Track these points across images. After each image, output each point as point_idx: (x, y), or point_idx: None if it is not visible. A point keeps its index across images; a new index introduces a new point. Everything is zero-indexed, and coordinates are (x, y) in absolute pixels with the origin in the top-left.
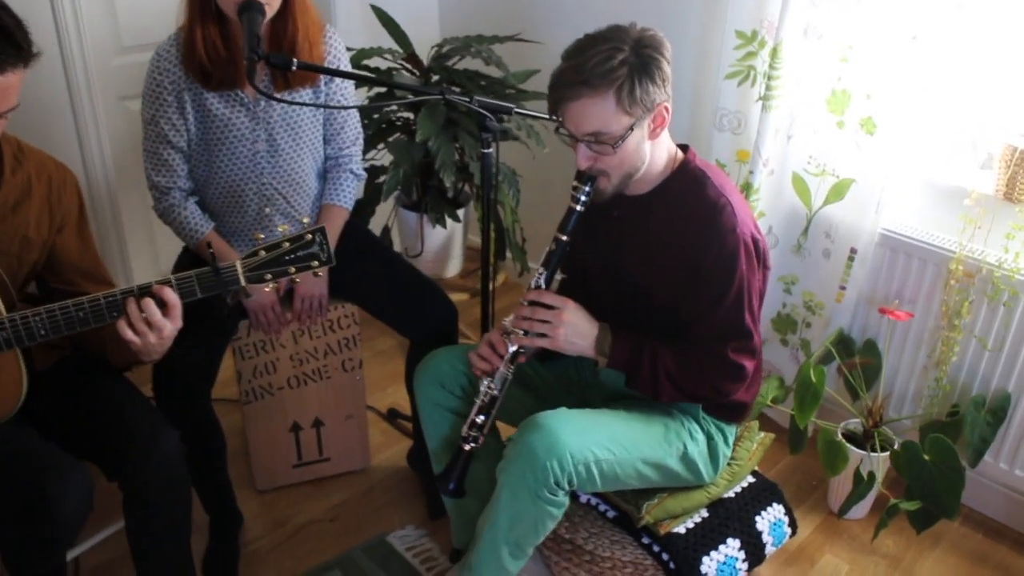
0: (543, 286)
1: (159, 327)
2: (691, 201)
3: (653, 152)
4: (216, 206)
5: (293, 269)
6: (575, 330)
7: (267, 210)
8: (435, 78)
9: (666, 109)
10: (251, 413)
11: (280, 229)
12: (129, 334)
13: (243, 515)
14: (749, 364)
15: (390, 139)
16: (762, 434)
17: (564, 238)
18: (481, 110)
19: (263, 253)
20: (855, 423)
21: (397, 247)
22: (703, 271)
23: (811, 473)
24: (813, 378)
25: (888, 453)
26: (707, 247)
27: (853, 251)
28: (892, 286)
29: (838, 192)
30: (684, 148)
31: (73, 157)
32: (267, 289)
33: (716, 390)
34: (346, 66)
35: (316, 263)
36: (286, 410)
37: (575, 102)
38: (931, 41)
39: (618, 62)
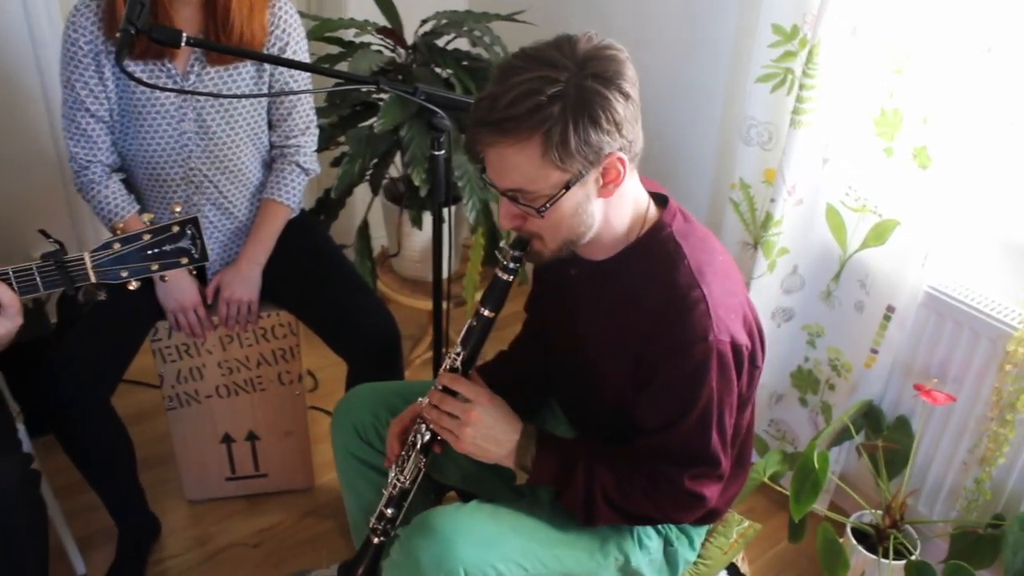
0: (459, 369)
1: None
2: (655, 285)
3: (608, 213)
4: (141, 189)
5: (156, 266)
6: (486, 434)
7: (195, 198)
8: (412, 58)
9: (620, 162)
10: (176, 420)
11: (145, 218)
12: None
13: (160, 524)
14: (712, 491)
15: (350, 128)
16: (745, 523)
17: (488, 314)
18: (427, 104)
19: (118, 246)
20: (871, 517)
21: (378, 243)
22: (660, 380)
23: (813, 567)
24: (815, 464)
25: (904, 564)
26: (667, 354)
27: (891, 309)
28: (934, 358)
29: (879, 235)
30: (663, 201)
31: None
32: (185, 282)
33: (667, 518)
34: (298, 40)
35: (186, 260)
36: (215, 420)
37: (490, 148)
38: (1010, 55)
39: (547, 98)
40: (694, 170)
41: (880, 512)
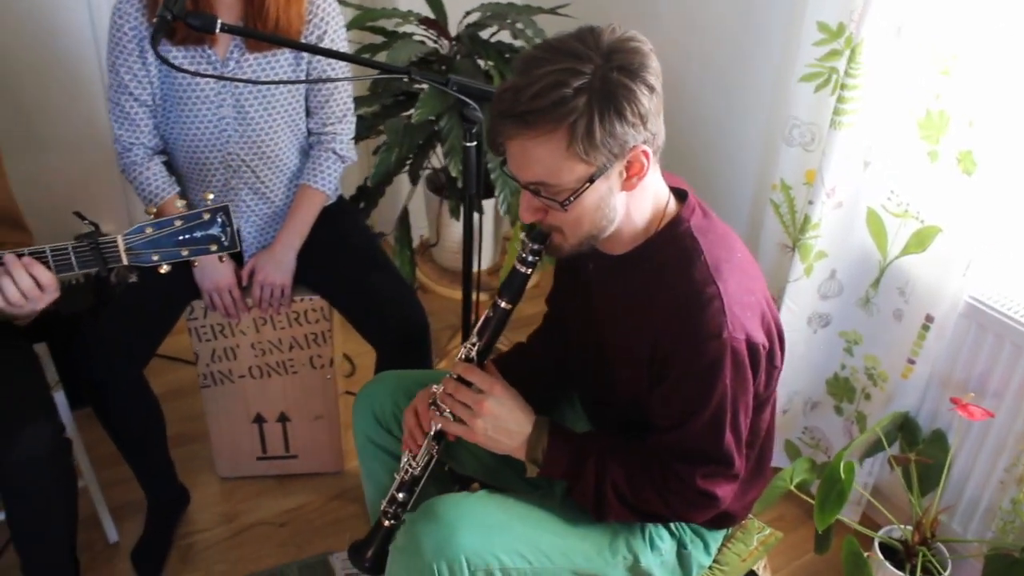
0: (474, 360)
1: (33, 299)
2: (670, 280)
3: (630, 206)
4: (181, 172)
5: (186, 251)
6: (499, 425)
7: (233, 182)
8: (455, 50)
9: (644, 155)
10: (210, 398)
11: (179, 203)
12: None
13: (190, 496)
14: (724, 491)
15: (390, 118)
16: (767, 531)
17: (505, 305)
18: (459, 95)
19: (150, 231)
20: (900, 532)
21: (417, 233)
22: (673, 377)
23: None
24: (842, 474)
25: None
26: (680, 350)
27: (929, 318)
28: (973, 371)
29: (920, 241)
30: (683, 195)
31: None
32: (222, 263)
33: (678, 517)
34: (336, 29)
35: (215, 247)
36: (248, 400)
37: (513, 141)
38: None
39: (572, 91)
40: (738, 170)
41: (910, 528)
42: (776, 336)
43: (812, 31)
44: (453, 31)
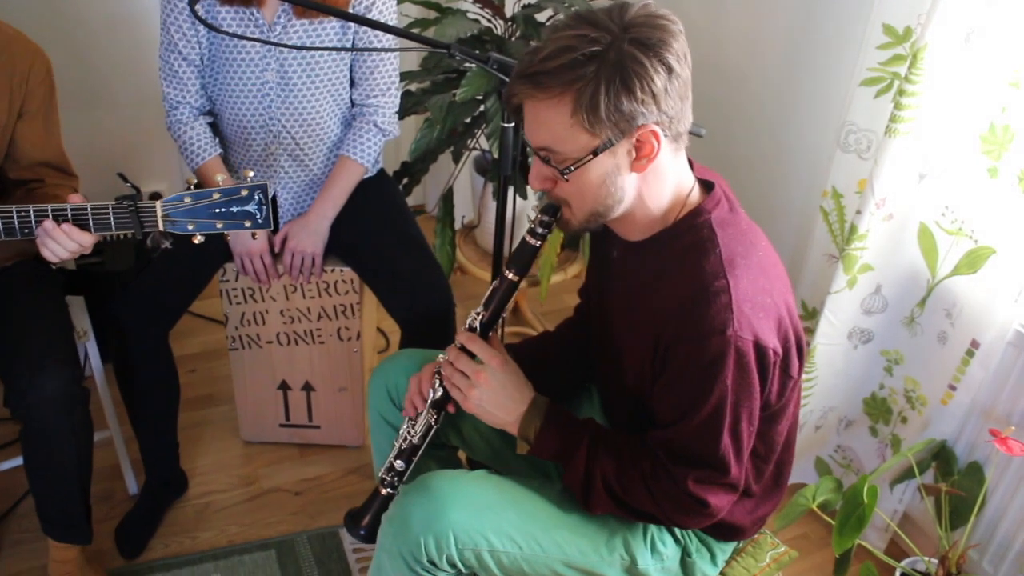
0: (477, 329)
1: (72, 251)
2: (682, 271)
3: (643, 190)
4: (224, 133)
5: (221, 224)
6: (493, 399)
7: (272, 147)
8: (510, 30)
9: (655, 136)
10: (237, 360)
11: (219, 178)
12: (46, 253)
13: (187, 483)
14: (719, 500)
15: (435, 96)
16: (781, 548)
17: (512, 276)
18: (498, 73)
19: (188, 200)
20: (923, 564)
21: (460, 213)
22: (673, 370)
23: None
24: (864, 497)
25: None
26: (682, 343)
27: (975, 344)
28: (1018, 403)
29: (972, 262)
30: (710, 187)
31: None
32: (256, 237)
33: (670, 520)
34: (385, 1)
35: (249, 223)
36: (274, 366)
37: (525, 102)
38: None
39: (582, 56)
40: (790, 173)
41: (935, 561)
42: (794, 344)
43: (877, 33)
44: (509, 12)
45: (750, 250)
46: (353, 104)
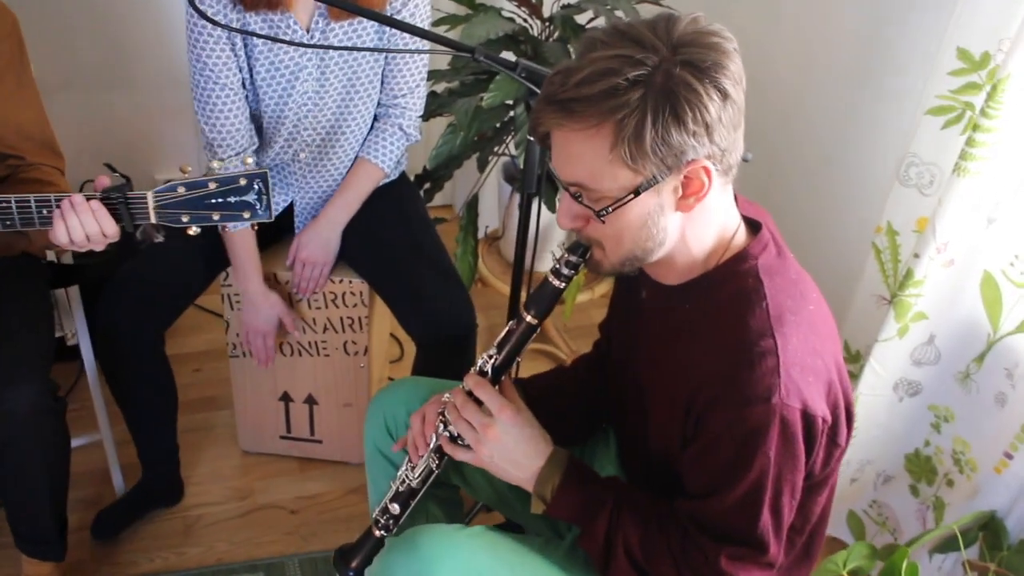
0: (488, 374)
1: (91, 236)
2: (723, 324)
3: (686, 231)
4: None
5: (217, 216)
6: (505, 456)
7: (302, 155)
8: (548, 32)
9: (706, 172)
10: (237, 368)
11: (214, 165)
12: (59, 231)
13: (182, 494)
14: None
15: (467, 97)
16: None
17: (530, 319)
18: (525, 82)
19: (182, 190)
20: None
21: (485, 222)
22: (708, 437)
23: None
24: (903, 573)
25: None
26: (719, 409)
27: None
28: None
29: None
30: (756, 227)
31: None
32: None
33: None
34: (419, 2)
35: (248, 215)
36: (276, 377)
37: (555, 131)
38: None
39: (626, 82)
40: (842, 204)
41: None
42: (844, 410)
43: (950, 57)
44: (548, 12)
45: (800, 303)
46: (379, 104)
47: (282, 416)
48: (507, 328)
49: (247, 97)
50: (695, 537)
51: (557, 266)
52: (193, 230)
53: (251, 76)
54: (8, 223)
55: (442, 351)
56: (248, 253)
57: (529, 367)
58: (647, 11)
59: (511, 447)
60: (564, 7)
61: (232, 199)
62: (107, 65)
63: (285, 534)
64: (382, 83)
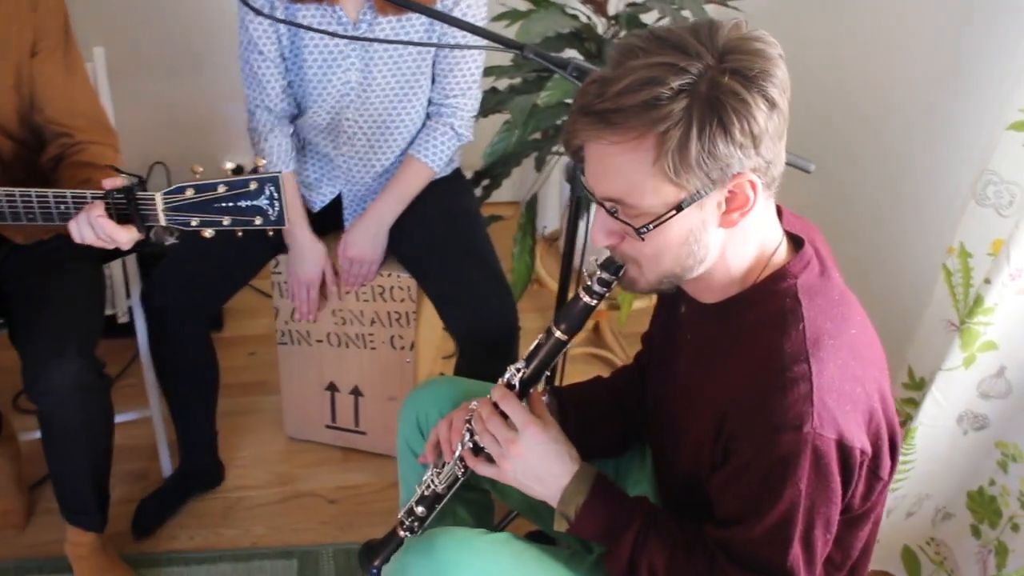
0: (515, 387)
1: (99, 242)
2: (757, 346)
3: (728, 247)
4: (296, 130)
5: (228, 220)
6: (529, 472)
7: (344, 148)
8: (613, 30)
9: (751, 185)
10: (285, 356)
11: (226, 168)
12: (71, 229)
13: (223, 476)
14: None
15: (519, 97)
16: None
17: (560, 335)
18: (578, 83)
19: (191, 192)
20: None
21: (545, 222)
22: (736, 462)
23: None
24: None
25: None
26: (749, 434)
27: None
28: None
29: None
30: (799, 243)
31: None
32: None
33: None
34: None
35: (260, 220)
36: (323, 366)
37: (591, 144)
38: None
39: (670, 91)
40: (913, 222)
41: None
42: (887, 442)
43: None
44: (613, 10)
45: (841, 327)
46: (430, 103)
47: (328, 405)
48: (536, 341)
49: (287, 71)
50: (723, 566)
51: (589, 283)
52: (208, 233)
53: (295, 57)
54: (31, 217)
55: (483, 352)
56: (293, 202)
57: (584, 371)
58: (715, 13)
59: (535, 463)
60: (630, 5)
61: (243, 203)
62: (173, 50)
63: (322, 523)
64: (435, 80)
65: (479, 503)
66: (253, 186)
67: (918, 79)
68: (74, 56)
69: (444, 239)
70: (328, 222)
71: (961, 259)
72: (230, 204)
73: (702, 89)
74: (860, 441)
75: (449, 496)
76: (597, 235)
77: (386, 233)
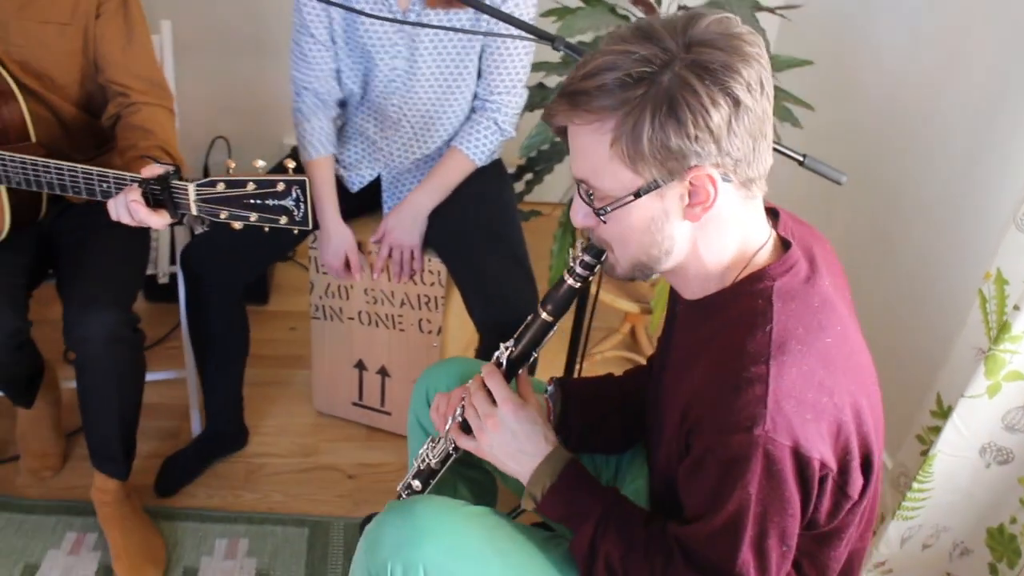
0: (502, 365)
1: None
2: (724, 344)
3: (698, 242)
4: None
5: (254, 217)
6: (503, 448)
7: (388, 132)
8: None
9: (710, 180)
10: (318, 330)
11: (256, 164)
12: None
13: (246, 440)
14: None
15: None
16: None
17: (546, 316)
18: None
19: (221, 187)
20: None
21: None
22: (692, 458)
23: None
24: None
25: None
26: (702, 428)
27: None
28: None
29: None
30: (787, 245)
31: None
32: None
33: None
34: None
35: (285, 219)
36: (353, 344)
37: (565, 124)
38: None
39: (628, 78)
40: (952, 245)
41: None
42: (859, 459)
43: None
44: (663, 12)
45: (815, 334)
46: (475, 97)
47: (355, 383)
48: (525, 323)
49: (336, 55)
50: (677, 565)
51: (572, 265)
52: (237, 225)
53: (345, 40)
54: (76, 191)
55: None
56: (324, 186)
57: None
58: (766, 19)
59: (509, 440)
60: (680, 8)
61: (270, 202)
62: (240, 29)
63: (338, 496)
64: (481, 76)
65: (480, 482)
66: (281, 187)
67: (964, 104)
68: (134, 18)
69: (474, 226)
70: (365, 203)
71: (997, 285)
72: (258, 201)
73: (663, 79)
74: (820, 452)
75: (444, 471)
76: (574, 215)
77: (424, 221)
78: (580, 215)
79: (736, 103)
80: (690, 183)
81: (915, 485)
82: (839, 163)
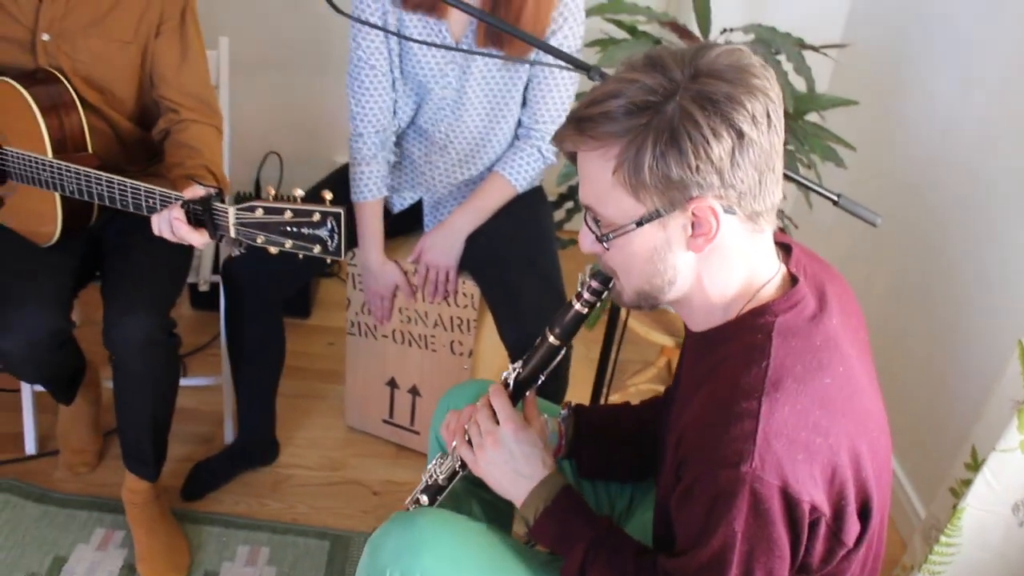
0: (509, 386)
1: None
2: (720, 377)
3: (702, 273)
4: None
5: (289, 243)
6: (499, 468)
7: (433, 157)
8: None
9: (712, 212)
10: (352, 346)
11: (296, 193)
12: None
13: (276, 454)
14: None
15: None
16: None
17: (553, 340)
18: None
19: (260, 212)
20: None
21: None
22: (682, 487)
23: None
24: None
25: None
26: (692, 460)
27: None
28: None
29: None
30: (795, 280)
31: None
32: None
33: None
34: (572, 26)
35: (318, 248)
36: (386, 361)
37: (573, 150)
38: None
39: (633, 106)
40: (993, 294)
41: None
42: (855, 505)
43: None
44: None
45: (814, 373)
46: (520, 124)
47: (387, 400)
48: (534, 345)
49: (393, 84)
50: None
51: (580, 290)
52: (272, 250)
53: (401, 64)
54: (124, 204)
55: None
56: (371, 227)
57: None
58: (812, 58)
59: (506, 460)
60: (728, 41)
61: (305, 231)
62: (301, 47)
63: (362, 511)
64: (526, 104)
65: (496, 506)
66: (317, 217)
67: (1011, 155)
68: (190, 37)
69: (510, 250)
70: (405, 224)
71: None
72: (293, 229)
73: (666, 109)
74: (811, 495)
75: (452, 487)
76: (582, 241)
77: (462, 243)
78: (587, 241)
79: (740, 135)
80: (693, 214)
81: (943, 539)
82: (883, 207)
